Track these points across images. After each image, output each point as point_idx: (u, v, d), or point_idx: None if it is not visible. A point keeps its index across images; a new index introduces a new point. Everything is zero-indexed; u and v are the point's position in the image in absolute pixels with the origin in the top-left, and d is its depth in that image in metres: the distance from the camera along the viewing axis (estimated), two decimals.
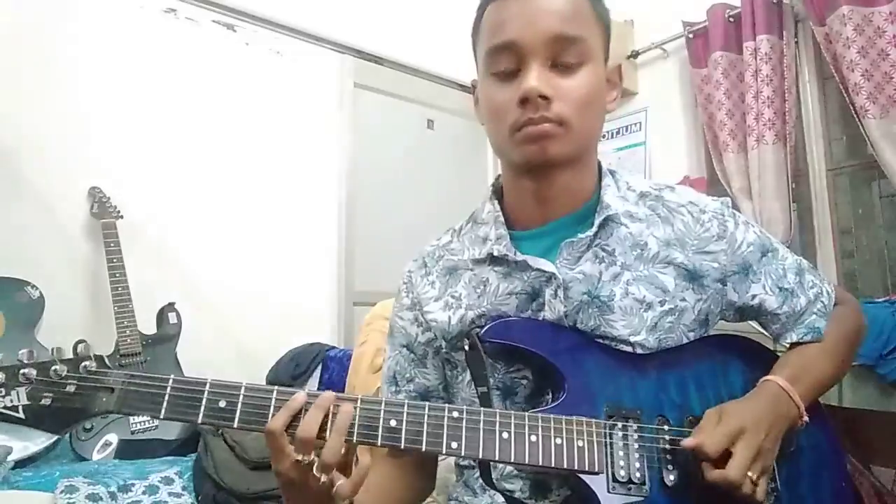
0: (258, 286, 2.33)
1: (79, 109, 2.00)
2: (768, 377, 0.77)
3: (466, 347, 0.75)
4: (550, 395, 0.75)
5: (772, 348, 0.85)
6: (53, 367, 0.60)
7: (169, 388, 0.62)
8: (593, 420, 0.69)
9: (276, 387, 0.64)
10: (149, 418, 1.77)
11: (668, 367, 0.76)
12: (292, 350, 2.28)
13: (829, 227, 2.28)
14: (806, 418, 0.74)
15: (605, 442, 0.69)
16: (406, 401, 0.67)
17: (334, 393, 0.64)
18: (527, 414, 0.68)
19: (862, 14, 1.97)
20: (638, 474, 0.69)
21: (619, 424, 0.70)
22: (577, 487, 0.70)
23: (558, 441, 0.67)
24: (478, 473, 0.80)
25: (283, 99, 2.50)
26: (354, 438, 0.63)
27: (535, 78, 0.70)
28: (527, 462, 0.66)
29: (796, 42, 2.32)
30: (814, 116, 2.35)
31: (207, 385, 0.62)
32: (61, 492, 1.36)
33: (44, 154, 1.93)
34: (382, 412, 0.65)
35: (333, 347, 2.33)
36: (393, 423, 0.64)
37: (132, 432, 1.75)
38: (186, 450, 1.75)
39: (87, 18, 2.04)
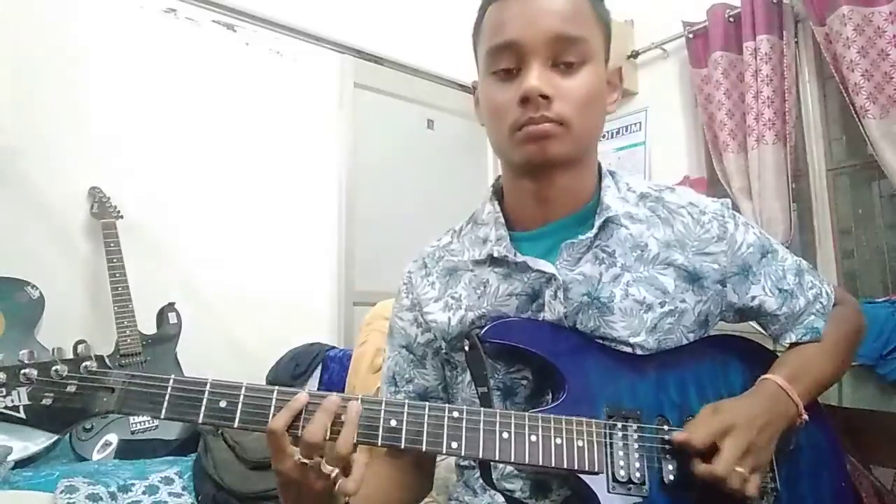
0: (258, 286, 2.33)
1: (79, 109, 2.01)
2: (767, 376, 0.77)
3: (466, 348, 0.75)
4: (550, 396, 0.75)
5: (771, 348, 0.85)
6: (54, 368, 0.60)
7: (169, 389, 0.62)
8: (593, 420, 0.70)
9: (276, 387, 0.64)
10: (149, 418, 1.77)
11: (667, 367, 0.76)
12: (292, 350, 2.28)
13: (829, 227, 2.28)
14: (805, 417, 0.75)
15: (605, 442, 0.69)
16: (406, 401, 0.67)
17: (339, 394, 0.64)
18: (527, 414, 0.68)
19: (862, 14, 1.97)
20: (638, 474, 0.69)
21: (619, 424, 0.70)
22: (577, 487, 0.70)
23: (558, 441, 0.67)
24: (478, 473, 0.80)
25: (283, 99, 2.50)
26: (355, 441, 0.63)
27: (536, 77, 0.70)
28: (527, 462, 0.66)
29: (796, 42, 2.32)
30: (814, 116, 2.35)
31: (208, 385, 0.62)
32: (61, 492, 1.36)
33: (44, 154, 1.93)
34: (383, 412, 0.65)
35: (333, 347, 2.33)
36: (393, 422, 0.64)
37: (132, 432, 1.75)
38: (186, 450, 1.75)
39: (87, 18, 2.04)
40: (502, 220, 0.82)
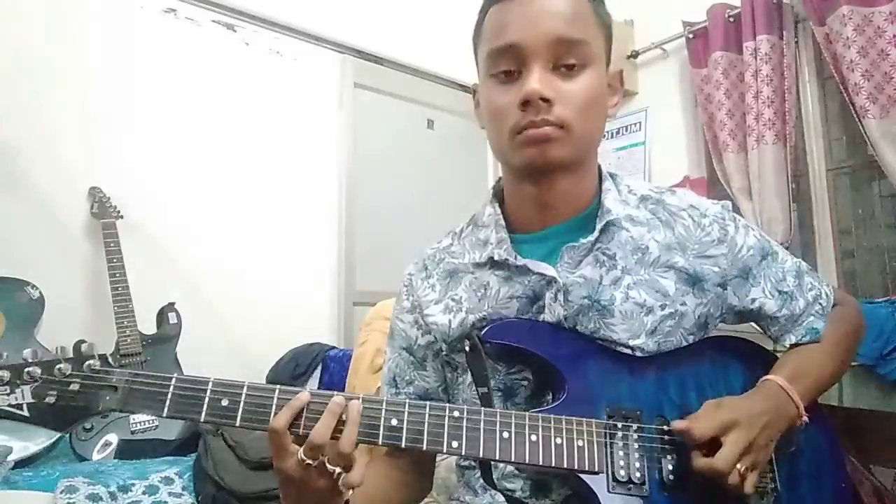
0: (258, 286, 2.32)
1: (79, 109, 2.00)
2: (768, 377, 0.77)
3: (467, 348, 0.75)
4: (551, 396, 0.75)
5: (770, 349, 0.85)
6: (58, 366, 0.60)
7: (172, 387, 0.62)
8: (593, 420, 0.70)
9: (278, 386, 0.64)
10: (149, 418, 1.77)
11: (667, 368, 0.76)
12: (292, 350, 2.28)
13: (829, 227, 2.28)
14: (805, 418, 0.75)
15: (605, 442, 0.69)
16: (407, 400, 0.67)
17: (342, 394, 0.64)
18: (527, 414, 0.68)
19: (862, 14, 1.97)
20: (638, 474, 0.69)
21: (619, 425, 0.70)
22: (578, 487, 0.70)
23: (558, 441, 0.67)
24: (479, 473, 0.80)
25: (283, 99, 2.50)
26: (357, 438, 0.63)
27: (537, 80, 0.70)
28: (527, 462, 0.66)
29: (796, 42, 2.32)
30: (814, 116, 2.36)
31: (210, 384, 0.63)
32: (61, 492, 1.36)
33: (44, 154, 1.93)
34: (384, 411, 0.65)
35: (333, 347, 2.33)
36: (394, 422, 0.65)
37: (132, 432, 1.74)
38: (186, 450, 1.75)
39: (87, 18, 2.04)
40: (503, 222, 0.82)
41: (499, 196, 0.86)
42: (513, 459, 0.66)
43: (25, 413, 0.59)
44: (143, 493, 1.47)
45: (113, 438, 1.71)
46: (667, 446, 0.71)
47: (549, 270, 0.76)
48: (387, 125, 2.81)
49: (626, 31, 2.89)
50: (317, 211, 2.55)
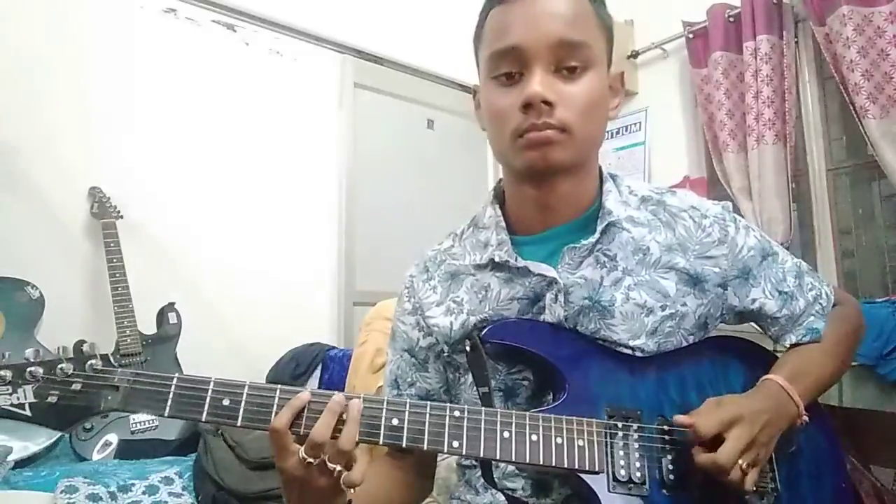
0: (258, 286, 2.32)
1: (79, 109, 2.00)
2: (768, 376, 0.77)
3: (468, 349, 0.75)
4: (551, 396, 0.75)
5: (771, 349, 0.85)
6: (60, 366, 0.60)
7: (173, 387, 0.62)
8: (594, 420, 0.70)
9: (279, 385, 0.64)
10: (149, 418, 1.77)
11: (668, 368, 0.76)
12: (292, 350, 2.28)
13: (829, 227, 2.29)
14: (805, 417, 0.75)
15: (606, 441, 0.69)
16: (408, 400, 0.67)
17: (343, 393, 0.64)
18: (528, 413, 0.68)
19: (862, 14, 1.98)
20: (638, 474, 0.69)
21: (620, 424, 0.70)
22: (578, 487, 0.70)
23: (559, 440, 0.68)
24: (479, 473, 0.81)
25: (283, 99, 2.50)
26: (357, 439, 0.63)
27: (539, 83, 0.70)
28: (528, 461, 0.66)
29: (796, 42, 2.32)
30: (814, 116, 2.36)
31: (211, 383, 0.63)
32: (61, 492, 1.36)
33: (44, 154, 1.93)
34: (385, 411, 0.65)
35: (333, 347, 2.33)
36: (395, 421, 0.65)
37: (132, 432, 1.74)
38: (186, 450, 1.75)
39: (86, 18, 2.04)
40: (503, 224, 0.82)
41: (499, 197, 0.86)
42: (513, 459, 0.66)
43: (28, 413, 0.59)
44: (143, 493, 1.47)
45: (113, 438, 1.71)
46: (667, 446, 0.71)
47: (550, 271, 0.76)
48: (387, 125, 2.81)
49: (626, 31, 2.89)
50: (317, 211, 2.55)
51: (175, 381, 0.62)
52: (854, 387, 1.69)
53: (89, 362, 0.61)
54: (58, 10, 1.98)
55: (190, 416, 0.62)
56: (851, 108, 2.03)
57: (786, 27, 2.28)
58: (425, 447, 0.65)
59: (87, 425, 1.69)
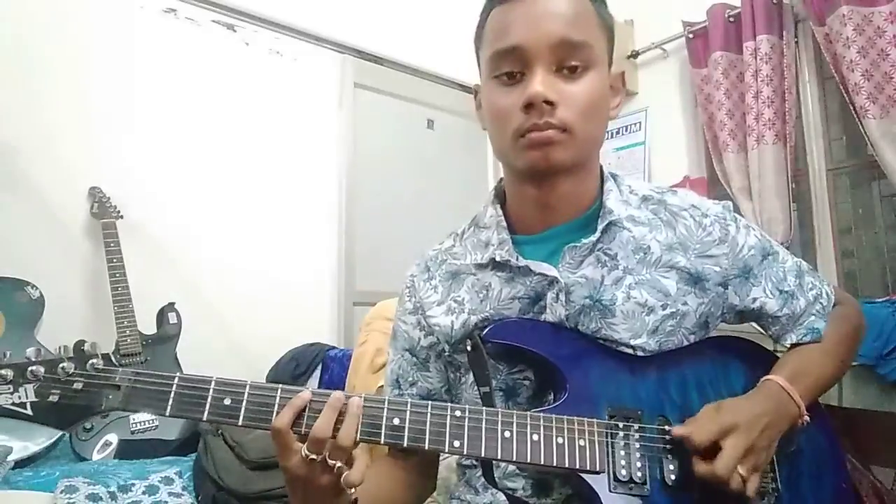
0: (258, 286, 2.32)
1: (79, 109, 2.00)
2: (768, 377, 0.77)
3: (469, 348, 0.75)
4: (552, 396, 0.75)
5: (771, 349, 0.85)
6: (61, 365, 0.60)
7: (174, 386, 0.62)
8: (595, 420, 0.70)
9: (280, 385, 0.64)
10: (149, 418, 1.77)
11: (668, 368, 0.76)
12: (292, 350, 2.28)
13: (829, 227, 2.29)
14: (807, 417, 0.75)
15: (607, 441, 0.69)
16: (409, 400, 0.67)
17: (343, 392, 0.64)
18: (529, 413, 0.68)
19: (862, 14, 1.98)
20: (639, 474, 0.69)
21: (621, 424, 0.70)
22: (579, 487, 0.70)
23: (560, 440, 0.67)
24: (480, 472, 0.81)
25: (283, 99, 2.50)
26: (358, 436, 0.63)
27: (540, 83, 0.70)
28: (528, 461, 0.66)
29: (796, 42, 2.32)
30: (814, 116, 2.36)
31: (212, 383, 0.63)
32: (61, 492, 1.36)
33: (44, 154, 1.92)
34: (386, 410, 0.65)
35: (333, 347, 2.33)
36: (396, 421, 0.65)
37: (132, 432, 1.74)
38: (186, 450, 1.75)
39: (86, 18, 2.04)
40: (504, 223, 0.82)
41: (500, 197, 0.86)
42: (514, 459, 0.66)
43: (29, 412, 0.59)
44: (143, 493, 1.47)
45: (113, 438, 1.71)
46: (668, 446, 0.71)
47: (551, 271, 0.76)
48: (387, 125, 2.81)
49: (626, 31, 2.89)
50: (317, 211, 2.55)
51: (176, 380, 0.62)
52: (854, 387, 1.69)
53: (90, 361, 0.61)
54: (58, 10, 1.98)
55: (191, 415, 0.62)
56: (851, 108, 2.03)
57: (786, 27, 2.28)
58: (426, 447, 0.65)
59: (87, 425, 1.69)
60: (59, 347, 0.61)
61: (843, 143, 2.34)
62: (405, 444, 0.64)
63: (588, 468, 0.68)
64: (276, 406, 0.63)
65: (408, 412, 0.65)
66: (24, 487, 1.39)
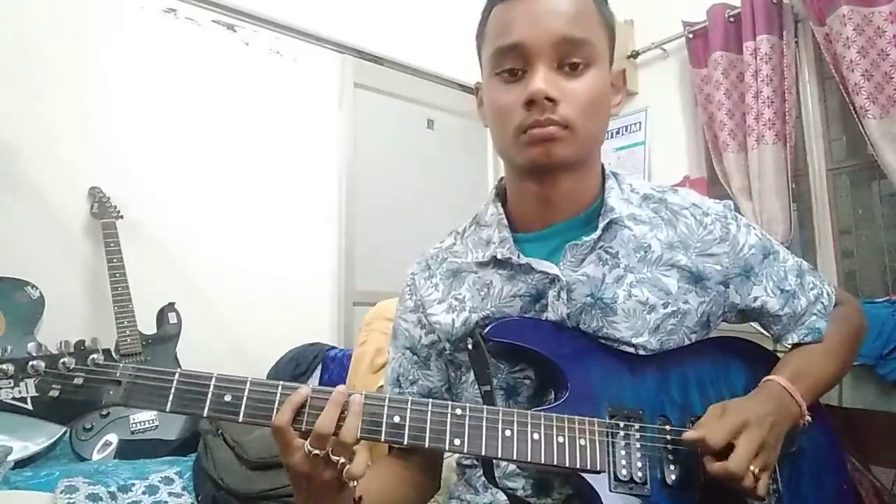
0: (258, 286, 2.32)
1: (79, 109, 2.00)
2: (770, 377, 0.77)
3: (470, 346, 0.75)
4: (553, 395, 0.75)
5: (772, 349, 0.85)
6: (62, 360, 0.60)
7: (175, 382, 0.62)
8: (595, 419, 0.70)
9: (280, 381, 0.64)
10: (149, 417, 1.77)
11: (669, 367, 0.76)
12: (292, 350, 2.28)
13: (829, 227, 2.29)
14: (808, 417, 0.75)
15: (608, 441, 0.69)
16: (410, 398, 0.67)
17: (344, 387, 0.64)
18: (530, 412, 0.68)
19: (862, 14, 1.98)
20: (640, 473, 0.69)
21: (622, 424, 0.70)
22: (579, 486, 0.70)
23: (560, 440, 0.67)
24: (480, 472, 0.81)
25: (283, 99, 2.50)
26: (358, 434, 0.63)
27: (542, 80, 0.70)
28: (529, 460, 0.66)
29: (796, 42, 2.32)
30: (814, 116, 2.36)
31: (213, 379, 0.63)
32: (61, 492, 1.35)
33: (44, 154, 1.92)
34: (386, 408, 0.65)
35: (333, 347, 2.33)
36: (396, 419, 0.65)
37: (132, 432, 1.74)
38: (186, 450, 1.75)
39: (86, 18, 2.04)
40: (505, 221, 0.82)
41: (501, 195, 0.86)
42: (515, 458, 0.66)
43: (29, 406, 0.59)
44: (143, 493, 1.47)
45: (113, 438, 1.71)
46: (669, 446, 0.71)
47: (552, 269, 0.76)
48: (387, 125, 2.81)
49: (626, 31, 2.89)
50: (317, 211, 2.55)
51: (177, 376, 0.62)
52: (854, 387, 1.69)
53: (91, 357, 0.61)
54: (58, 10, 1.98)
55: (191, 411, 0.62)
56: (851, 108, 2.04)
57: (786, 27, 2.28)
58: (427, 445, 0.65)
59: (87, 425, 1.69)
60: (60, 342, 0.61)
61: (843, 143, 2.34)
62: (405, 442, 0.64)
63: (589, 468, 0.67)
64: (277, 403, 0.63)
65: (408, 410, 0.65)
66: (24, 487, 1.39)
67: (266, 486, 1.53)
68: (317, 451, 0.61)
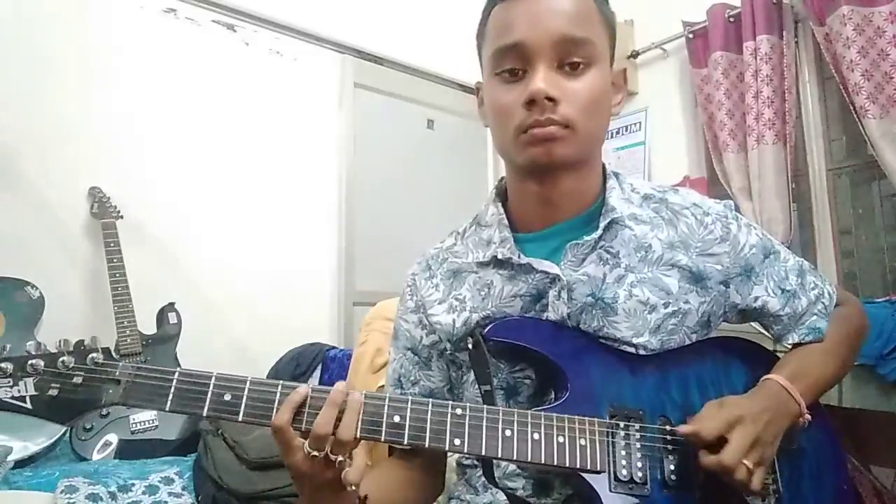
0: (258, 286, 2.32)
1: (79, 109, 2.00)
2: (769, 376, 0.77)
3: (470, 346, 0.75)
4: (553, 395, 0.75)
5: (772, 349, 0.85)
6: (61, 359, 0.60)
7: (174, 381, 0.62)
8: (596, 419, 0.70)
9: (280, 381, 0.64)
10: (149, 417, 1.77)
11: (670, 367, 0.76)
12: (292, 350, 2.28)
13: (829, 227, 2.29)
14: (808, 416, 0.75)
15: (608, 441, 0.69)
16: (410, 397, 0.67)
17: (343, 383, 0.64)
18: (530, 412, 0.68)
19: (862, 14, 1.98)
20: (640, 474, 0.69)
21: (622, 424, 0.70)
22: (579, 486, 0.70)
23: (561, 440, 0.67)
24: (479, 472, 0.81)
25: (283, 99, 2.50)
26: (359, 433, 0.63)
27: (542, 79, 0.70)
28: (529, 460, 0.66)
29: (796, 42, 2.32)
30: (814, 116, 2.36)
31: (213, 378, 0.63)
32: (61, 492, 1.36)
33: (44, 154, 1.93)
34: (386, 408, 0.65)
35: (333, 347, 2.33)
36: (397, 418, 0.65)
37: (132, 432, 1.74)
38: (186, 450, 1.75)
39: (86, 19, 2.04)
40: (506, 221, 0.82)
41: (502, 195, 0.86)
42: (515, 458, 0.66)
43: (28, 406, 0.59)
44: (143, 493, 1.47)
45: (113, 438, 1.71)
46: (669, 446, 0.71)
47: (553, 268, 0.76)
48: (387, 125, 2.81)
49: (626, 31, 2.89)
50: (317, 211, 2.55)
51: (176, 375, 0.62)
52: (854, 387, 1.69)
53: (91, 356, 0.61)
54: (58, 10, 1.98)
55: (191, 410, 0.62)
56: (851, 108, 2.03)
57: (786, 27, 2.28)
58: (427, 445, 0.64)
59: (87, 425, 1.69)
60: (59, 342, 0.61)
61: (843, 143, 2.33)
62: (405, 442, 0.64)
63: (589, 468, 0.67)
64: (277, 402, 0.63)
65: (408, 410, 0.65)
66: (24, 487, 1.39)
67: (266, 486, 1.53)
68: (315, 452, 0.61)
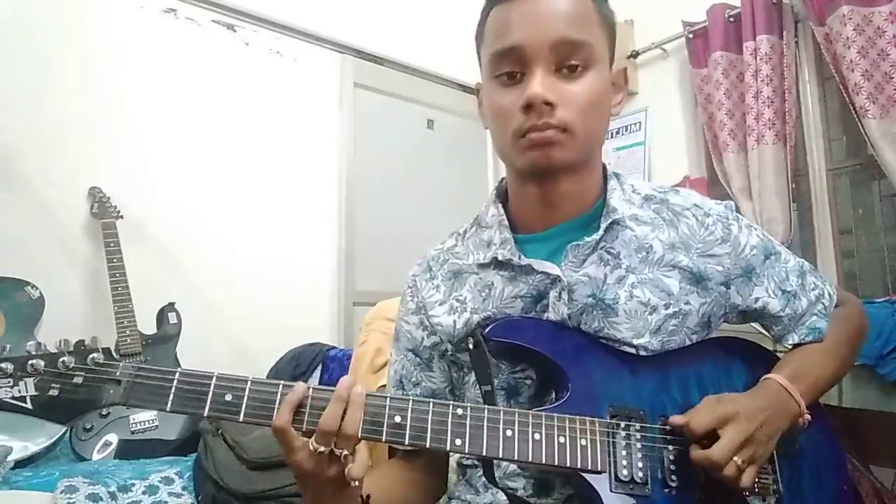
0: (258, 286, 2.32)
1: (79, 109, 2.00)
2: (769, 375, 0.77)
3: (471, 346, 0.75)
4: (554, 395, 0.75)
5: (772, 349, 0.85)
6: (61, 359, 0.60)
7: (175, 381, 0.62)
8: (596, 419, 0.70)
9: (281, 381, 0.64)
10: (149, 417, 1.77)
11: (670, 368, 0.76)
12: (292, 350, 2.28)
13: (829, 227, 2.28)
14: (808, 416, 0.75)
15: (608, 441, 0.69)
16: (411, 398, 0.67)
17: (350, 378, 0.64)
18: (531, 412, 0.68)
19: (862, 14, 1.98)
20: (640, 474, 0.69)
21: (622, 424, 0.70)
22: (580, 486, 0.70)
23: (561, 440, 0.67)
24: (480, 472, 0.81)
25: (282, 99, 2.50)
26: (360, 434, 0.63)
27: (539, 84, 0.70)
28: (530, 460, 0.66)
29: (796, 42, 2.32)
30: (814, 116, 2.36)
31: (214, 378, 0.63)
32: (61, 492, 1.35)
33: (44, 154, 1.92)
34: (387, 408, 0.65)
35: (333, 347, 2.33)
36: (398, 418, 0.65)
37: (132, 432, 1.74)
38: (186, 450, 1.74)
39: (86, 18, 2.04)
40: (506, 222, 0.82)
41: (502, 196, 0.86)
42: (516, 458, 0.66)
43: (29, 406, 0.59)
44: (143, 493, 1.46)
45: (113, 438, 1.71)
46: (669, 446, 0.71)
47: (554, 269, 0.76)
48: (387, 125, 2.81)
49: (626, 31, 2.89)
50: (317, 211, 2.55)
51: (177, 375, 0.62)
52: (854, 387, 1.69)
53: (91, 356, 0.61)
54: (57, 10, 1.98)
55: (192, 411, 0.62)
56: (851, 108, 2.03)
57: (786, 27, 2.28)
58: (427, 445, 0.64)
59: (87, 425, 1.69)
60: (59, 342, 0.61)
61: (843, 143, 2.33)
62: (406, 442, 0.64)
63: (589, 468, 0.67)
64: (278, 403, 0.63)
65: (409, 410, 0.65)
66: (24, 487, 1.39)
67: (266, 486, 1.52)
68: (322, 449, 0.61)
